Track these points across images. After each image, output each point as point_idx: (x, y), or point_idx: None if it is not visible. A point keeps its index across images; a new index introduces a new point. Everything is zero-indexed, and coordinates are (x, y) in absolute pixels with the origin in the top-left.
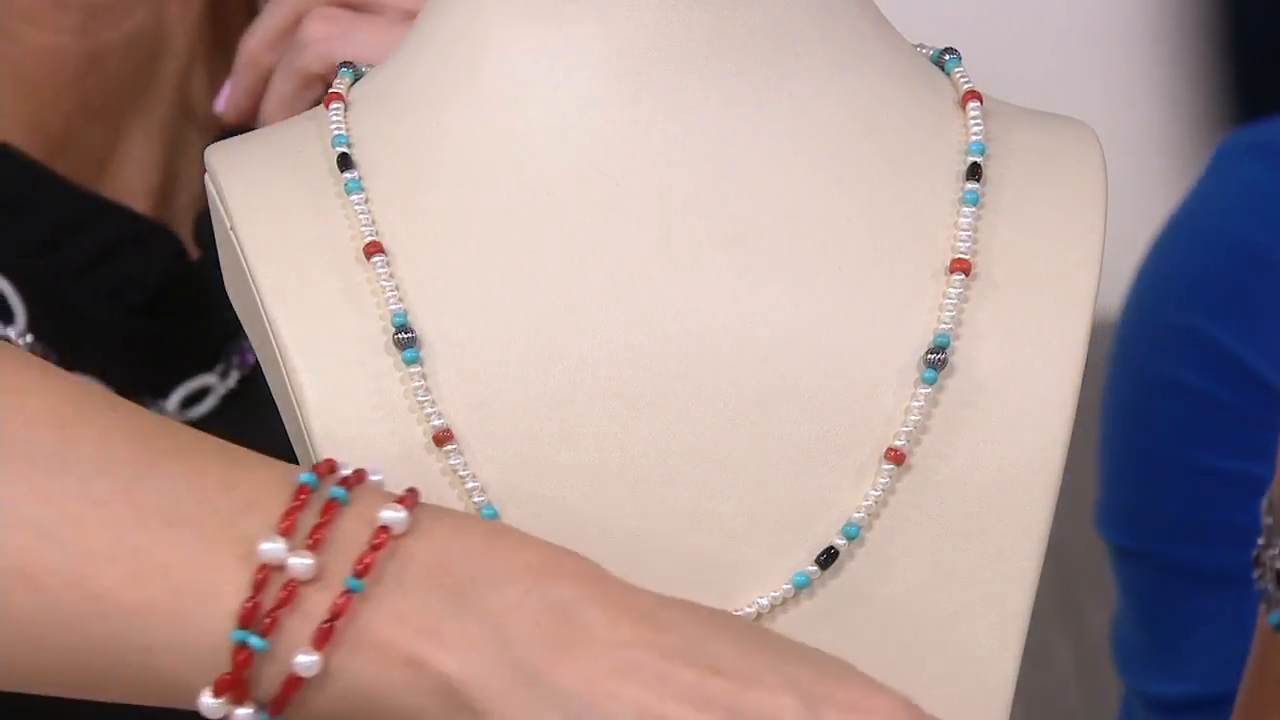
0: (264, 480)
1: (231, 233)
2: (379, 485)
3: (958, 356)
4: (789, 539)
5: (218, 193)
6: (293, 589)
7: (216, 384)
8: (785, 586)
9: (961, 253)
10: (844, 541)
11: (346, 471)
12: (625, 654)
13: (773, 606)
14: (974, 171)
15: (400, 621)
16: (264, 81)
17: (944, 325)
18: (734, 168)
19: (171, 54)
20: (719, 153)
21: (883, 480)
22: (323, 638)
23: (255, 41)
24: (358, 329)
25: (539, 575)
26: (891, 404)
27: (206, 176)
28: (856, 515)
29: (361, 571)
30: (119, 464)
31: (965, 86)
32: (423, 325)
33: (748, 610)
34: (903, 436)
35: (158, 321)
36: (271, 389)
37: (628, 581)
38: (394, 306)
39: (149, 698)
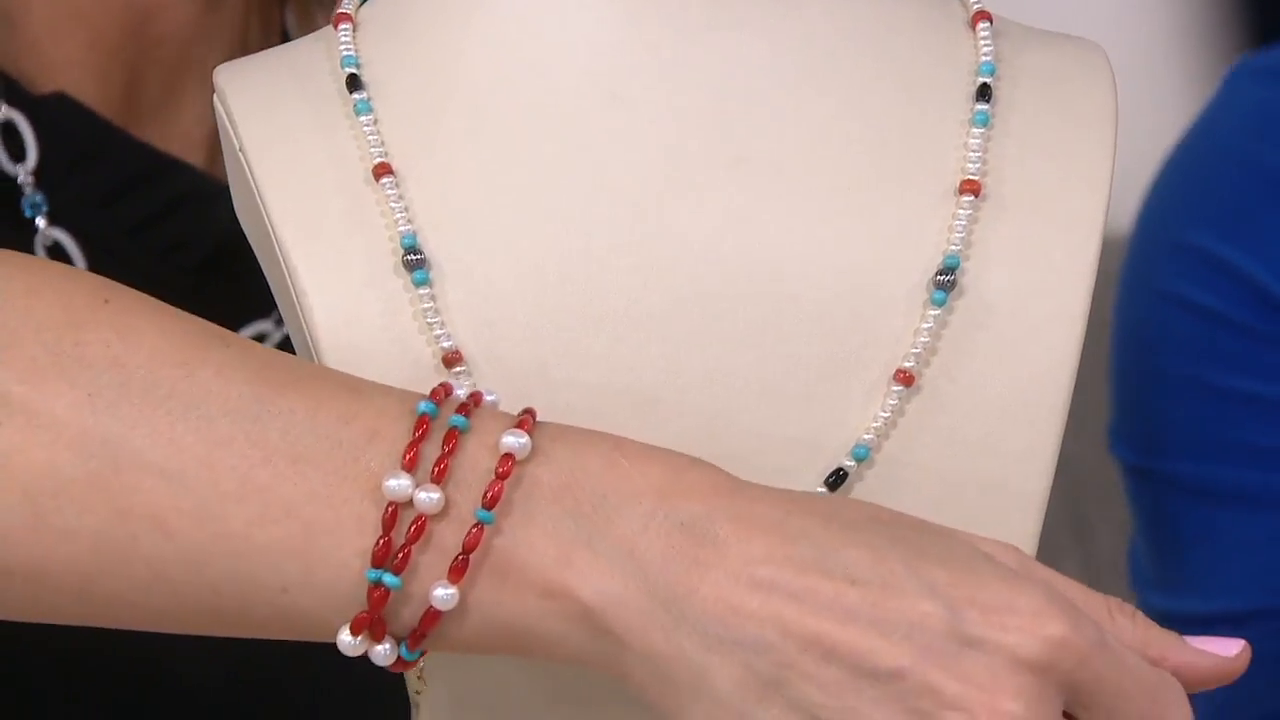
0: (383, 409)
1: (240, 154)
2: (495, 405)
3: (967, 277)
4: (798, 460)
5: (226, 114)
6: (423, 524)
7: (272, 330)
8: None
9: (971, 174)
10: (853, 463)
11: (463, 394)
12: (760, 570)
13: None
14: (984, 92)
15: (533, 551)
16: None
17: (953, 246)
18: (742, 90)
19: (228, 3)
20: (727, 75)
21: (892, 401)
22: (458, 571)
23: None
24: (367, 250)
25: (664, 494)
26: (901, 325)
27: (215, 97)
28: (866, 436)
29: (490, 503)
30: (239, 401)
31: (975, 6)
32: (432, 247)
33: None
34: (912, 358)
35: (214, 277)
36: (281, 311)
37: (752, 484)
38: (403, 228)
39: (287, 634)
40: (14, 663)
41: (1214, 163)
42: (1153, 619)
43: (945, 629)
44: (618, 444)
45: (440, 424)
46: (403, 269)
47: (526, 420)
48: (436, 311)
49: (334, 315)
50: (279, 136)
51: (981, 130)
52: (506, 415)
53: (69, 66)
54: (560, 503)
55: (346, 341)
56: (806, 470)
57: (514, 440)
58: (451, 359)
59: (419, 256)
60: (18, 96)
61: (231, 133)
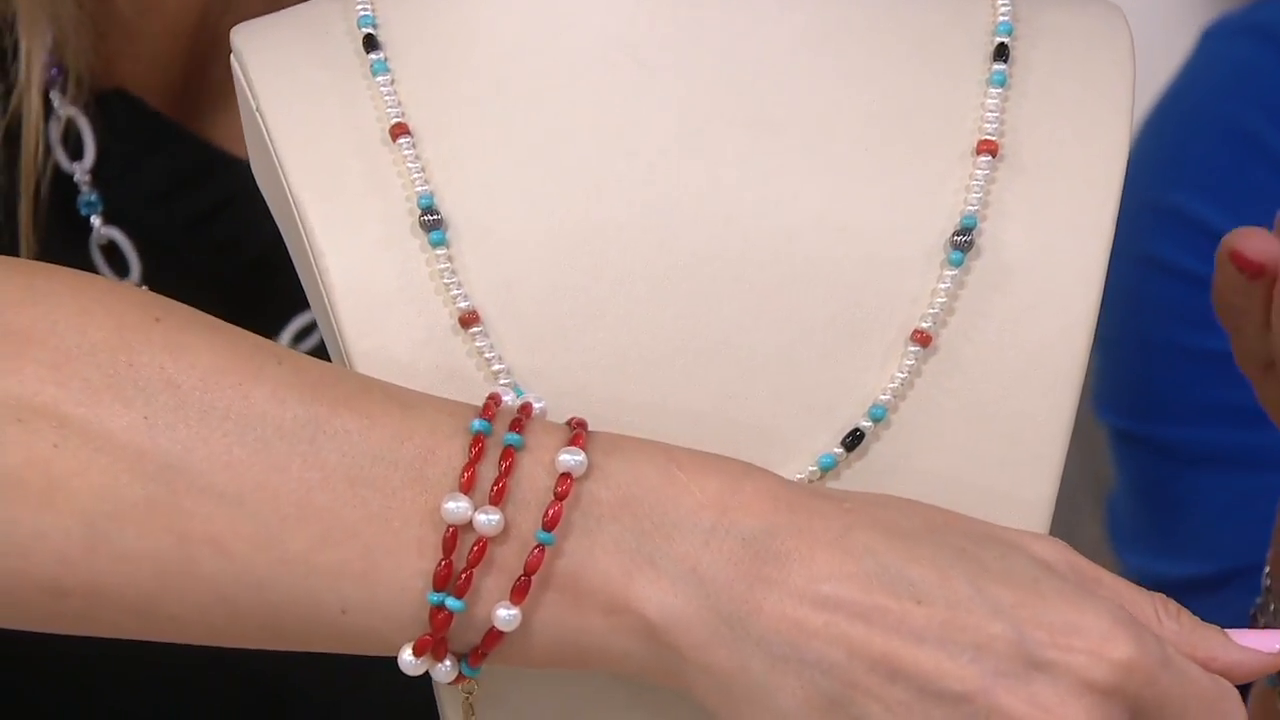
0: (436, 426)
1: (258, 115)
2: (544, 414)
3: (984, 238)
4: (815, 421)
5: (243, 74)
6: (483, 546)
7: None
8: (811, 468)
9: (988, 134)
10: (870, 423)
11: (512, 404)
12: (825, 588)
13: None
14: (1001, 52)
15: (595, 569)
16: None
17: (971, 207)
18: (759, 50)
19: None
20: (743, 35)
21: (909, 362)
22: (520, 592)
23: None
24: (384, 211)
25: (724, 509)
26: (918, 286)
27: (232, 57)
28: (883, 397)
29: (550, 524)
30: (294, 423)
31: None
32: (449, 207)
33: None
34: (929, 318)
35: (266, 271)
36: (298, 272)
37: (809, 491)
38: (420, 188)
39: (348, 650)
40: (38, 660)
41: (1192, 124)
42: (1139, 582)
43: (1013, 651)
44: (671, 455)
45: (495, 441)
46: (420, 229)
47: (580, 435)
48: (453, 272)
49: (351, 275)
50: (296, 96)
51: (999, 90)
52: (558, 428)
53: (137, 62)
54: (620, 520)
55: (363, 302)
56: (823, 430)
57: (571, 459)
58: (468, 319)
59: (436, 217)
60: (78, 93)
61: (248, 92)
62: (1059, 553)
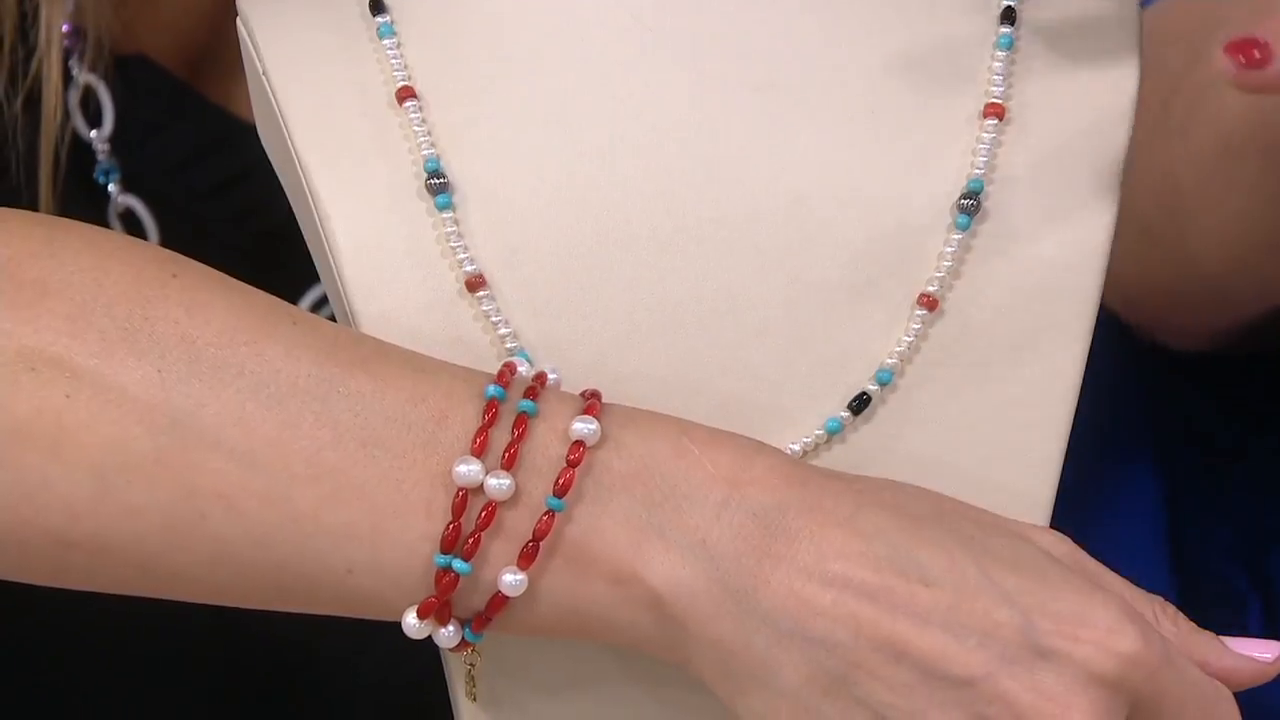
0: (451, 391)
1: (264, 78)
2: (557, 384)
3: (991, 201)
4: (822, 384)
5: (250, 37)
6: (493, 510)
7: None
8: (818, 432)
9: (995, 97)
10: (876, 387)
11: (527, 374)
12: (833, 566)
13: (805, 452)
14: (1008, 15)
15: (604, 538)
16: None
17: (977, 170)
18: (766, 12)
19: None
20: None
21: (915, 325)
22: (527, 557)
23: None
24: (390, 175)
25: (734, 483)
26: (924, 249)
27: (239, 21)
28: (889, 360)
29: (562, 490)
30: (308, 381)
31: None
32: (455, 171)
33: None
34: (935, 282)
35: (284, 241)
36: (305, 236)
37: (821, 471)
38: (426, 152)
39: (351, 613)
40: (58, 632)
41: None
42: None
43: (1019, 638)
44: (685, 429)
45: (508, 408)
46: (426, 193)
47: (594, 405)
48: (459, 235)
49: (357, 239)
50: (303, 60)
51: (1005, 53)
52: (572, 398)
53: (156, 29)
54: (631, 490)
55: (370, 266)
56: (830, 394)
57: (584, 427)
58: (474, 283)
59: (442, 180)
60: (97, 59)
61: (255, 56)
62: (1064, 546)
